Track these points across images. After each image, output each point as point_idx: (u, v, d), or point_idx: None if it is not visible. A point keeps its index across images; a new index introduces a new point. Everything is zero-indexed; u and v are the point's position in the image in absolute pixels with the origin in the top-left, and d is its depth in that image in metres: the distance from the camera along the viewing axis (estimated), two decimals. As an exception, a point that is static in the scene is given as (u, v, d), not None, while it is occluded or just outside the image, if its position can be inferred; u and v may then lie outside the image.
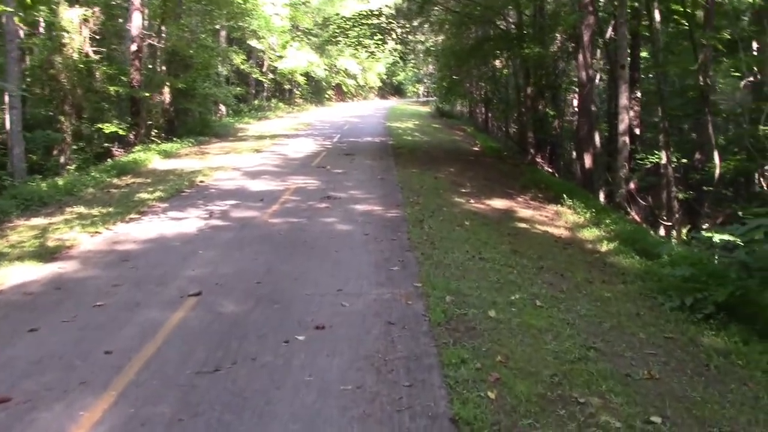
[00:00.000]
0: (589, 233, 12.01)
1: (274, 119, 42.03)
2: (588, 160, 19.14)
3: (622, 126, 16.57)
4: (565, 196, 14.51)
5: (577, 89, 23.91)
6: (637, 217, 15.45)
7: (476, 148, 28.66)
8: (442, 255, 8.97)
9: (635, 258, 9.99)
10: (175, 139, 25.16)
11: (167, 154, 21.74)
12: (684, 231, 14.58)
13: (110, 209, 12.03)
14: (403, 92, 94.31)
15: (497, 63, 33.77)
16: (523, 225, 12.14)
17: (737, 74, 16.27)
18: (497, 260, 9.01)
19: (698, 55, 15.65)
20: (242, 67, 38.76)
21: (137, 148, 22.19)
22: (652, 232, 14.37)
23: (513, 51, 23.04)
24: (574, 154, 25.35)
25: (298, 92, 56.33)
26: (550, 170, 23.69)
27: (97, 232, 10.24)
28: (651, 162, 17.31)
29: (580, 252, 10.54)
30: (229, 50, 33.26)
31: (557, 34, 23.10)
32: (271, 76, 47.91)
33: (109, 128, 22.35)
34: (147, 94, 23.55)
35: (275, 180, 16.07)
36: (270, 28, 40.80)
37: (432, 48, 35.64)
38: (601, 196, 18.89)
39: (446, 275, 7.95)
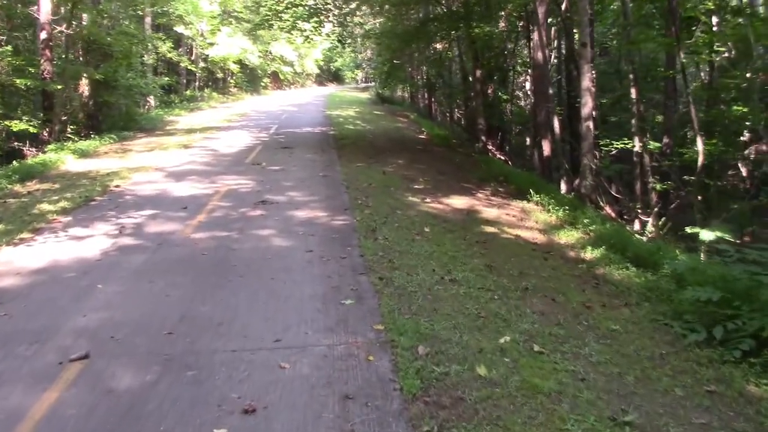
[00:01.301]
0: (566, 236, 10.48)
1: (207, 110, 39.59)
2: (546, 148, 17.73)
3: (586, 110, 15.13)
4: (532, 191, 12.95)
5: (530, 71, 22.54)
6: (611, 212, 14.04)
7: (423, 136, 27.04)
8: (404, 278, 7.26)
9: (630, 270, 8.47)
10: (94, 135, 22.75)
11: (83, 154, 19.43)
12: (660, 224, 13.20)
13: (-3, 227, 9.94)
14: (341, 78, 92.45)
15: (438, 46, 32.32)
16: (491, 229, 10.52)
17: (713, 50, 14.98)
18: (472, 282, 7.36)
19: (672, 28, 14.25)
20: (169, 55, 36.17)
21: (50, 147, 19.81)
22: (628, 228, 12.96)
23: (460, 31, 21.40)
24: (528, 140, 24.03)
25: (232, 81, 53.76)
26: (501, 158, 22.26)
27: (-31, 262, 8.19)
28: (616, 148, 15.95)
29: (564, 262, 8.97)
30: (152, 37, 30.66)
31: (504, 12, 21.52)
32: (202, 64, 45.31)
33: (17, 126, 19.94)
34: (59, 87, 21.06)
35: (203, 182, 14.10)
36: (198, 13, 38.29)
37: (371, 31, 33.81)
38: (563, 187, 17.51)
39: (413, 310, 6.25)
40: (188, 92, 44.20)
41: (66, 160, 18.04)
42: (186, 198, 12.23)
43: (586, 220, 10.99)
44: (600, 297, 7.41)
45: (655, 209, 14.21)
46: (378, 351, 5.33)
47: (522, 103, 25.42)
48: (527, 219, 11.64)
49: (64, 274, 7.60)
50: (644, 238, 11.91)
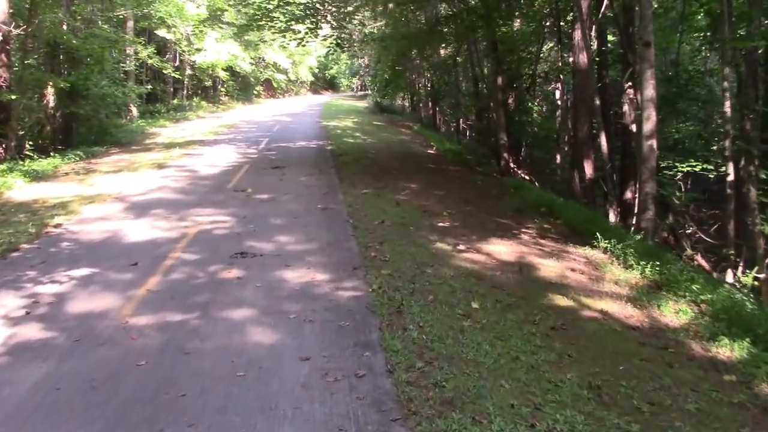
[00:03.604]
0: (669, 310, 7.41)
1: (194, 121, 36.53)
2: (589, 169, 14.72)
3: (648, 125, 12.14)
4: (599, 235, 9.85)
5: (560, 77, 19.56)
6: (702, 261, 10.98)
7: (431, 151, 24.03)
8: (470, 429, 4.21)
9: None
10: (55, 153, 19.62)
11: (37, 176, 16.33)
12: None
13: None
14: (337, 87, 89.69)
15: (445, 50, 29.36)
16: (563, 300, 7.45)
17: None
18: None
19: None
20: (150, 61, 33.08)
21: (1, 167, 16.73)
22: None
23: (479, 32, 18.38)
24: (559, 158, 21.01)
25: (222, 89, 50.69)
26: (526, 177, 19.26)
27: None
28: (681, 172, 12.93)
29: (700, 371, 5.89)
30: (128, 40, 27.55)
31: (531, 9, 18.48)
32: (189, 71, 42.22)
33: (-36, 142, 16.98)
34: (14, 97, 17.94)
35: (170, 218, 11.02)
36: (183, 16, 35.22)
37: (372, 34, 30.84)
38: (611, 216, 14.49)
39: None
40: (175, 101, 41.14)
41: (14, 184, 14.97)
42: (141, 246, 9.16)
43: (683, 279, 7.95)
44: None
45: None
46: None
47: (545, 115, 22.33)
48: (602, 278, 8.56)
49: None
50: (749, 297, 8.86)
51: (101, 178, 15.89)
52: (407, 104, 46.65)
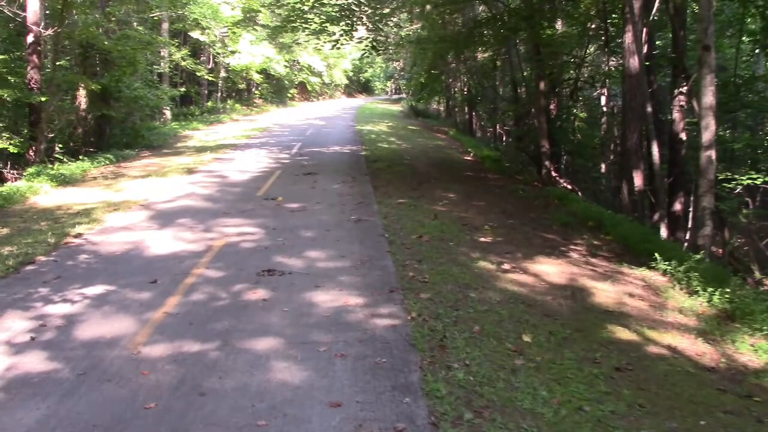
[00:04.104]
0: (747, 348, 6.51)
1: (227, 123, 36.25)
2: (638, 180, 13.82)
3: (707, 135, 11.27)
4: (657, 256, 8.99)
5: (606, 81, 18.65)
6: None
7: (469, 158, 23.26)
8: None
9: None
10: (84, 157, 19.27)
11: (65, 180, 15.98)
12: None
13: None
14: (371, 90, 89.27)
15: (482, 54, 28.54)
16: (624, 333, 6.62)
17: None
18: None
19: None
20: (183, 63, 32.80)
21: (29, 170, 16.43)
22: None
23: (521, 34, 17.56)
24: (603, 167, 20.08)
25: (257, 92, 50.40)
26: (568, 186, 18.37)
27: None
28: (741, 185, 12.01)
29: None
30: (161, 41, 27.19)
31: (578, 11, 17.59)
32: (223, 74, 41.94)
33: (-7, 144, 16.70)
34: (43, 99, 17.60)
35: (195, 229, 10.45)
36: (218, 18, 34.88)
37: (408, 36, 30.16)
38: (663, 231, 13.59)
39: None
40: (209, 103, 40.90)
41: (40, 189, 14.61)
42: (163, 260, 8.58)
43: (758, 310, 7.09)
44: None
45: None
46: None
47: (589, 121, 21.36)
48: (664, 305, 7.71)
49: None
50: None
51: (129, 183, 15.45)
52: (442, 108, 45.85)
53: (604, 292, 7.90)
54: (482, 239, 10.29)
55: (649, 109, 14.09)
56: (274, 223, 10.82)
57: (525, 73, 21.61)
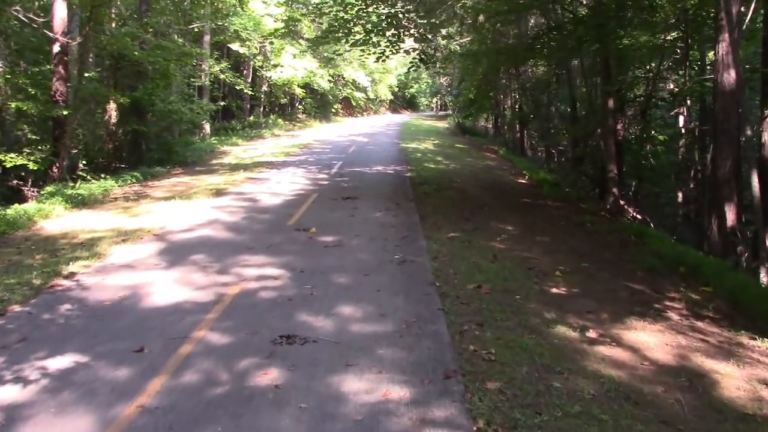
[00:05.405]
0: None
1: (268, 139, 34.94)
2: (731, 214, 11.73)
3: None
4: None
5: (683, 101, 16.55)
6: None
7: (523, 180, 21.30)
8: None
9: None
10: (107, 175, 17.83)
11: (81, 202, 14.53)
12: None
13: None
14: (416, 106, 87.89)
15: (533, 69, 26.65)
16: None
17: None
18: None
19: None
20: (222, 76, 31.54)
21: (47, 189, 15.12)
22: None
23: (589, 44, 15.58)
24: (681, 196, 17.91)
25: (300, 107, 49.15)
26: (638, 217, 16.29)
27: None
28: None
29: None
30: (196, 53, 25.84)
31: (653, 20, 15.50)
32: (265, 88, 40.71)
33: (12, 161, 15.41)
34: (66, 112, 16.27)
35: (209, 268, 8.77)
36: (260, 30, 33.60)
37: (457, 50, 28.36)
38: (763, 276, 11.46)
39: None
40: (251, 118, 39.70)
41: (51, 211, 13.19)
42: (160, 314, 6.87)
43: None
44: None
45: None
46: None
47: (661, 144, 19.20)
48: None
49: None
50: None
51: (149, 206, 13.96)
52: (490, 125, 43.87)
53: (731, 380, 5.91)
54: (554, 290, 8.37)
55: (748, 131, 11.98)
56: (303, 263, 9.07)
57: (585, 89, 19.66)
